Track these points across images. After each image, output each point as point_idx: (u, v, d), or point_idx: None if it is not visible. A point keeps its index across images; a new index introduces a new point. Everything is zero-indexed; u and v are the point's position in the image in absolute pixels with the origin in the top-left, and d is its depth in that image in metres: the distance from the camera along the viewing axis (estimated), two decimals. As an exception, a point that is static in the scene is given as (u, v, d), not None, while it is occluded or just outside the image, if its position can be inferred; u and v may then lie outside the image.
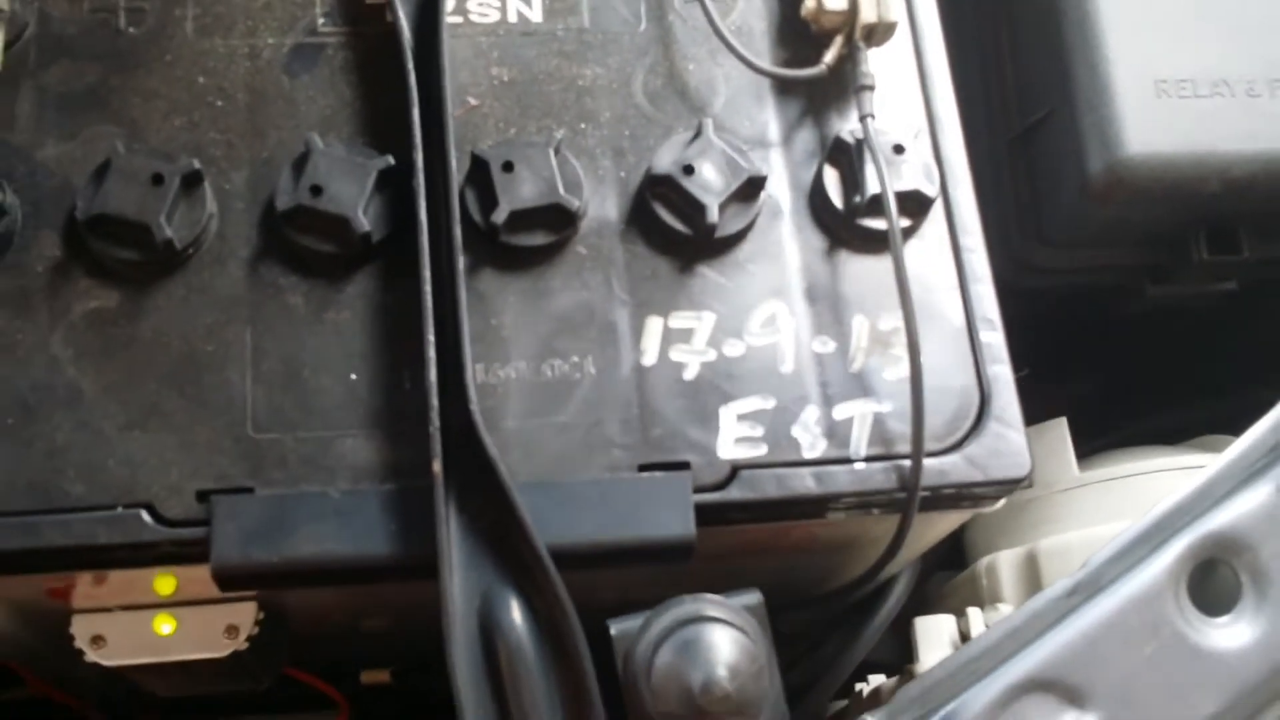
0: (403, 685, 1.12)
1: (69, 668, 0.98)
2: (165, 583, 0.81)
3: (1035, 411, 0.87)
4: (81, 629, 0.82)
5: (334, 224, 0.78)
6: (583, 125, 0.85)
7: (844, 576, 0.94)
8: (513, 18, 0.88)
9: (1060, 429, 1.08)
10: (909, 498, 0.79)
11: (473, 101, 0.85)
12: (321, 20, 0.86)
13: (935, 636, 0.91)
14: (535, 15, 0.88)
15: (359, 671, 1.11)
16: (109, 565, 0.76)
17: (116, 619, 0.83)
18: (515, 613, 0.73)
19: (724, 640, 0.71)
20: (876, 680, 0.92)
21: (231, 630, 0.84)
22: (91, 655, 0.83)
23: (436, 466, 0.73)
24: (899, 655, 1.00)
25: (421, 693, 1.13)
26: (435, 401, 0.74)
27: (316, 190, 0.78)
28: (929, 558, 1.07)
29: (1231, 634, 0.74)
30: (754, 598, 0.74)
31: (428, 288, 0.76)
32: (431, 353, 0.75)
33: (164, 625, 0.84)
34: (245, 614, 0.84)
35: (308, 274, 0.80)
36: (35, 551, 0.74)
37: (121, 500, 0.75)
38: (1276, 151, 0.99)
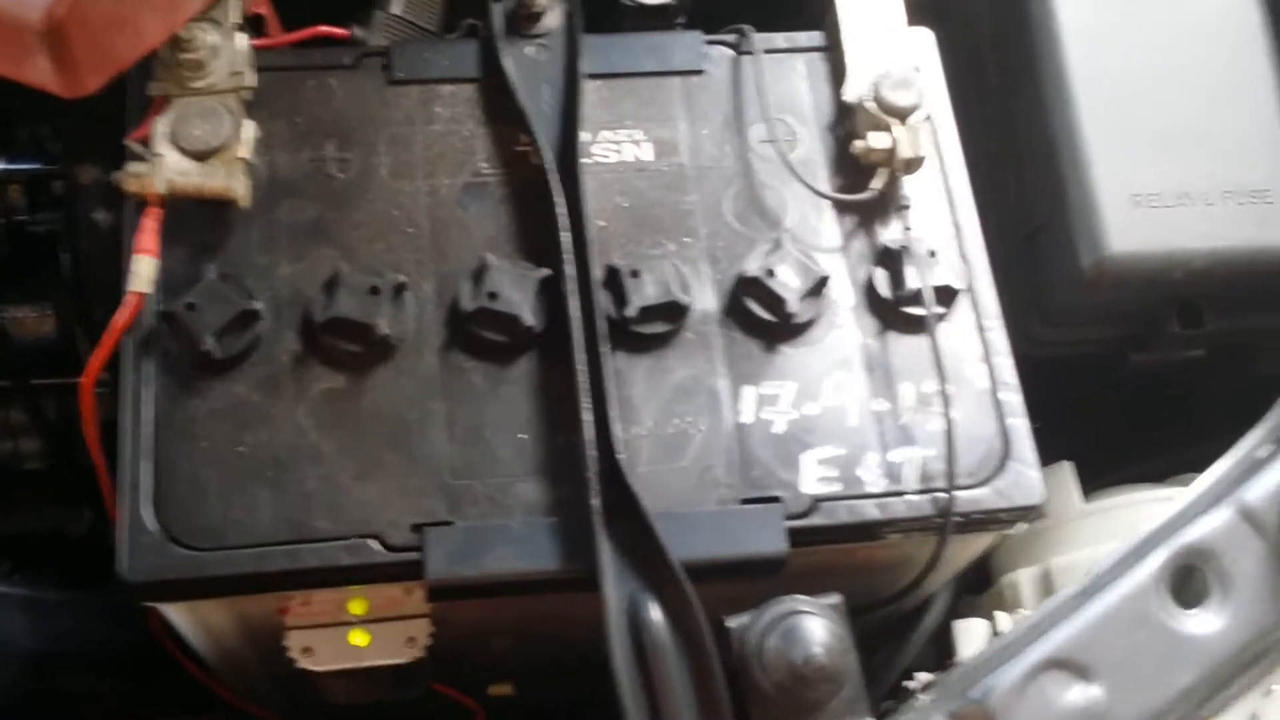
0: (524, 697, 1.19)
1: (262, 681, 1.11)
2: (358, 605, 0.93)
3: (1045, 457, 0.96)
4: (295, 642, 0.93)
5: (507, 321, 0.92)
6: (686, 240, 0.99)
7: (894, 592, 1.03)
8: (629, 158, 1.01)
9: (1066, 470, 1.17)
10: (946, 521, 0.92)
11: (601, 223, 0.98)
12: (483, 165, 1.00)
13: (971, 635, 1.02)
14: (647, 155, 1.01)
15: (484, 686, 1.16)
16: (348, 582, 0.89)
17: (322, 634, 0.94)
18: (656, 613, 0.85)
19: (817, 627, 0.83)
20: (923, 677, 0.94)
21: (411, 641, 0.94)
22: (302, 663, 0.93)
23: (595, 501, 0.87)
24: (937, 664, 1.05)
25: (541, 704, 1.22)
26: (593, 452, 0.88)
27: (493, 295, 0.92)
28: (961, 582, 1.17)
29: (1203, 622, 0.85)
30: (836, 598, 0.86)
31: (582, 367, 0.90)
32: (588, 416, 0.89)
33: (358, 638, 0.94)
34: (421, 628, 0.94)
35: (485, 358, 0.93)
36: (295, 572, 0.86)
37: (356, 532, 0.88)
38: (1227, 248, 1.09)
